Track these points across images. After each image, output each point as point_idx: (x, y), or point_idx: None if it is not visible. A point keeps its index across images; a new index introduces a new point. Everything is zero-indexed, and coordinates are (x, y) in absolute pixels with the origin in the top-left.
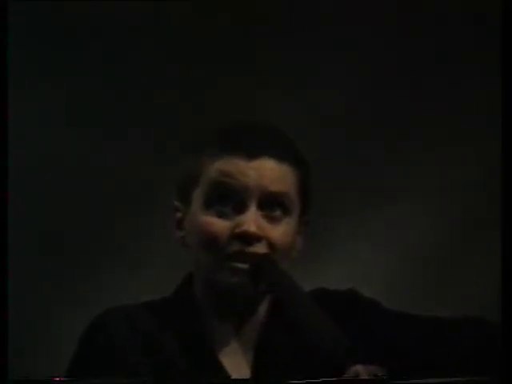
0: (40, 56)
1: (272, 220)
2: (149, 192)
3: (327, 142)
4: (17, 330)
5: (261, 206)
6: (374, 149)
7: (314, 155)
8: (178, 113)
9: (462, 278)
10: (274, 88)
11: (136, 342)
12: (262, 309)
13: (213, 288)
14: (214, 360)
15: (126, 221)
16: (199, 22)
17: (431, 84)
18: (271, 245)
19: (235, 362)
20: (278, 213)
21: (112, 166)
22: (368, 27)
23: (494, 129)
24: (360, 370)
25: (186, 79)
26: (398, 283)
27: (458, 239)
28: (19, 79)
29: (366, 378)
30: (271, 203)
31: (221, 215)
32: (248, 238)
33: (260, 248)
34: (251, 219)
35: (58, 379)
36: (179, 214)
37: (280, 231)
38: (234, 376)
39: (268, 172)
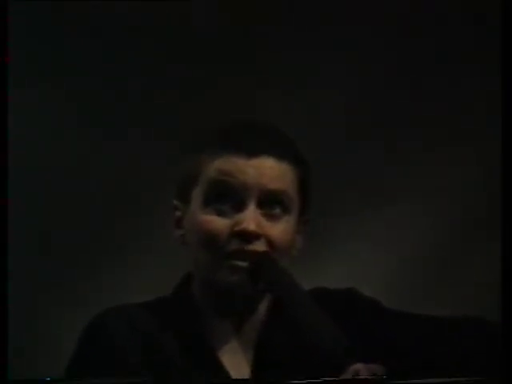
0: (40, 56)
1: (271, 218)
2: (149, 192)
3: (327, 142)
4: (17, 330)
5: (260, 205)
6: (374, 149)
7: (314, 155)
8: (178, 113)
9: (461, 278)
10: (274, 88)
11: (135, 342)
12: (262, 308)
13: (212, 287)
14: (213, 359)
15: (126, 221)
16: (199, 22)
17: (431, 84)
18: (270, 243)
19: (235, 361)
20: (277, 211)
21: (112, 166)
22: (368, 27)
23: (494, 129)
24: (360, 368)
25: (185, 79)
26: (397, 283)
27: (458, 239)
28: (19, 79)
29: (366, 377)
30: (270, 201)
31: (220, 213)
32: (247, 236)
33: (259, 246)
34: (250, 217)
35: (57, 379)
36: (178, 213)
37: (279, 229)
38: (234, 375)
39: (267, 170)
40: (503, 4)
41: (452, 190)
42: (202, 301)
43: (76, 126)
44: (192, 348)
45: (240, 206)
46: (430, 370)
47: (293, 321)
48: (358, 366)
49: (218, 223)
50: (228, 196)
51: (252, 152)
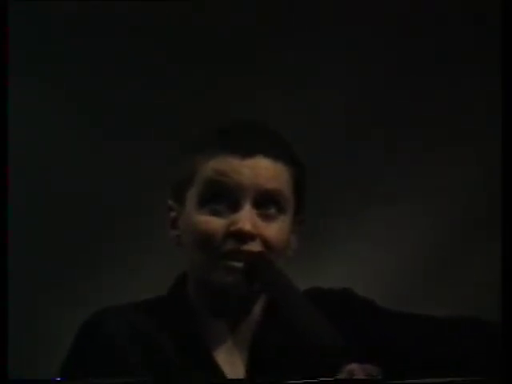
0: (40, 56)
1: (267, 218)
2: (149, 192)
3: (327, 142)
4: (17, 330)
5: (255, 205)
6: (374, 149)
7: (314, 155)
8: (178, 113)
9: (461, 278)
10: (274, 88)
11: (130, 342)
12: (257, 308)
13: (207, 287)
14: (209, 359)
15: (126, 221)
16: (199, 22)
17: (431, 84)
18: (266, 243)
19: (230, 360)
20: (272, 211)
21: (112, 166)
22: (368, 27)
23: (494, 129)
24: (355, 368)
25: (186, 79)
26: (397, 283)
27: (458, 239)
28: (19, 79)
29: (362, 377)
30: (266, 201)
31: (215, 214)
32: (243, 237)
33: (255, 246)
34: (246, 217)
35: (57, 379)
36: (173, 214)
37: (275, 229)
38: (229, 375)
39: (263, 170)
40: (503, 4)
41: (452, 189)
42: (197, 301)
43: (76, 126)
44: (187, 348)
45: (235, 206)
46: (427, 370)
47: (288, 321)
48: (353, 366)
49: (214, 223)
50: (223, 196)
51: (247, 152)
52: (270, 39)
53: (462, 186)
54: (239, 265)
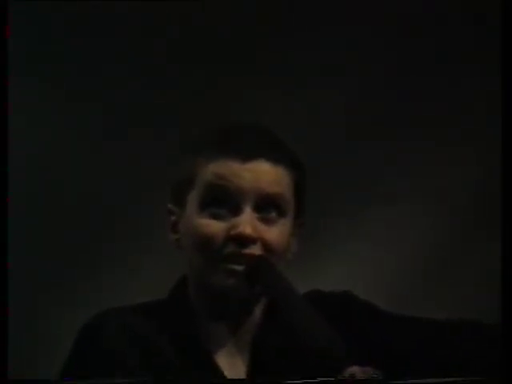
0: (40, 56)
1: (267, 222)
2: (149, 192)
3: (327, 142)
4: (17, 330)
5: (256, 208)
6: (374, 149)
7: (314, 155)
8: (178, 113)
9: (462, 278)
10: (274, 88)
11: (131, 344)
12: (257, 311)
13: (207, 290)
14: (209, 362)
15: (126, 221)
16: (199, 21)
17: (431, 84)
18: (266, 246)
19: (231, 363)
20: (273, 215)
21: (112, 166)
22: (368, 27)
23: (494, 129)
24: (355, 371)
25: (186, 79)
26: (397, 283)
27: (458, 239)
28: (19, 79)
29: (363, 377)
30: (266, 205)
31: (216, 217)
32: (243, 240)
33: (255, 250)
34: (247, 221)
35: (57, 380)
36: (173, 217)
37: (275, 233)
38: (230, 377)
39: (263, 174)
40: (503, 4)
41: (452, 189)
42: (198, 304)
43: (76, 126)
44: (188, 350)
45: (236, 210)
46: (427, 373)
47: (288, 324)
48: (354, 368)
49: (214, 227)
50: (224, 200)
51: (247, 156)
52: (270, 39)
53: (462, 186)
54: (240, 268)
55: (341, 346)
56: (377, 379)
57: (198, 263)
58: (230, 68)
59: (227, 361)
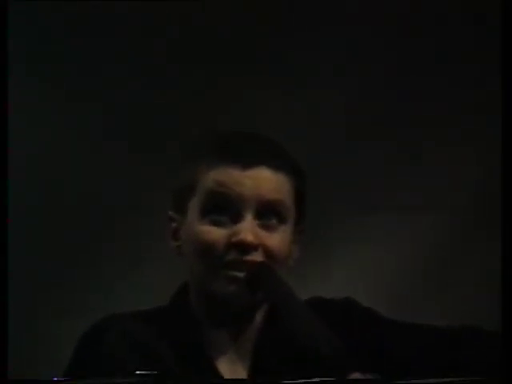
0: (40, 56)
1: (268, 228)
2: (149, 192)
3: (327, 142)
4: (17, 330)
5: (257, 215)
6: (374, 149)
7: (314, 155)
8: (178, 113)
9: (462, 278)
10: (274, 88)
11: (131, 351)
12: (259, 317)
13: (208, 297)
14: (211, 368)
15: (126, 221)
16: (199, 21)
17: (431, 84)
18: (268, 253)
19: (232, 369)
20: (274, 221)
21: (112, 166)
22: (368, 27)
23: (494, 129)
24: (357, 377)
25: (186, 79)
26: (397, 284)
27: (458, 239)
28: (19, 79)
29: (364, 377)
30: (267, 212)
31: (217, 224)
32: (245, 247)
33: (257, 256)
34: (248, 228)
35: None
36: (174, 224)
37: (277, 239)
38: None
39: (264, 181)
40: (503, 4)
41: (452, 189)
42: (199, 310)
43: (76, 126)
44: (189, 357)
45: (237, 217)
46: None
47: (289, 330)
48: (356, 375)
49: (215, 234)
50: (225, 207)
51: (248, 163)
52: (270, 39)
53: (462, 186)
54: (241, 274)
55: (342, 352)
56: (378, 379)
57: (199, 270)
58: (230, 68)
59: (228, 367)
